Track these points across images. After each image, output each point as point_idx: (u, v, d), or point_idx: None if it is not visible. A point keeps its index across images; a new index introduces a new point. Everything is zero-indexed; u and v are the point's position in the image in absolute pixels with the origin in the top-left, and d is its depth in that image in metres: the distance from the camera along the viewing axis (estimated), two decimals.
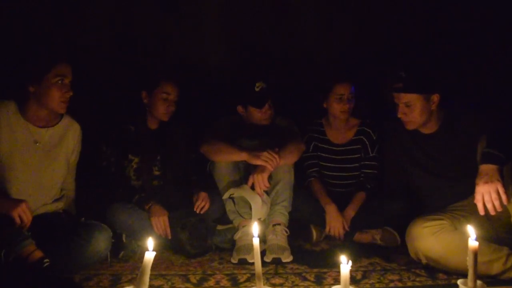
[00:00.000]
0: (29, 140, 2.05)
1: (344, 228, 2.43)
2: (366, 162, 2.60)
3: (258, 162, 2.30)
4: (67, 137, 2.18)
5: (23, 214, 1.82)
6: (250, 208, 2.33)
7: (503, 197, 1.80)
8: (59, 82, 2.01)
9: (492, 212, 1.82)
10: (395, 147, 2.41)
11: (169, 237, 2.31)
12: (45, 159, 2.09)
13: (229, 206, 2.42)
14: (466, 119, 2.18)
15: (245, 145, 2.43)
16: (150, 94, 2.45)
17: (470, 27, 2.93)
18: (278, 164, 2.32)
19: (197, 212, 2.36)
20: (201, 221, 2.33)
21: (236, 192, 2.35)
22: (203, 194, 2.40)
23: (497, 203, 1.80)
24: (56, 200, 2.15)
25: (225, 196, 2.38)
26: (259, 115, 2.52)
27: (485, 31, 2.93)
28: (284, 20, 3.11)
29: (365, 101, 2.66)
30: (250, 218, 2.33)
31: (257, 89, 2.48)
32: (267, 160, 2.28)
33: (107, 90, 2.91)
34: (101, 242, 2.03)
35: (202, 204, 2.38)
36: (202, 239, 2.31)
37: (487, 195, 1.81)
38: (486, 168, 1.87)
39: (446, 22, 3.00)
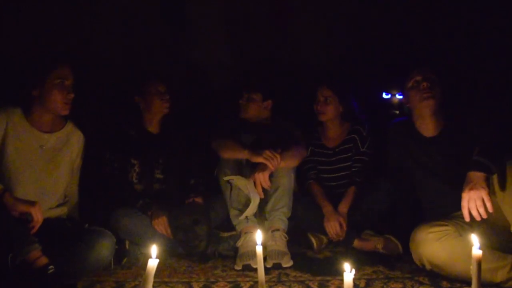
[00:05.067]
0: (34, 144, 2.08)
1: (341, 226, 2.42)
2: (356, 157, 2.63)
3: (259, 159, 2.33)
4: (71, 142, 2.20)
5: (38, 213, 1.85)
6: (244, 203, 2.34)
7: (488, 204, 1.83)
8: (61, 84, 2.05)
9: (477, 219, 1.85)
10: (399, 150, 2.41)
11: (172, 237, 2.31)
12: (49, 164, 2.11)
13: (232, 212, 2.42)
14: (469, 121, 2.21)
15: (244, 140, 2.48)
16: (143, 97, 2.49)
17: (470, 27, 2.95)
18: (279, 164, 2.33)
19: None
20: (196, 223, 2.31)
21: (238, 180, 2.36)
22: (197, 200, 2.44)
23: (481, 210, 1.84)
24: (60, 205, 2.17)
25: (226, 178, 2.39)
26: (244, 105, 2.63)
27: (485, 31, 2.94)
28: (285, 26, 3.15)
29: (361, 106, 2.72)
30: (240, 212, 2.35)
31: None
32: (268, 158, 2.30)
33: (107, 93, 2.94)
34: (105, 248, 2.04)
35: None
36: (196, 240, 2.30)
37: (472, 202, 1.85)
38: (473, 175, 1.90)
39: (445, 24, 3.02)
